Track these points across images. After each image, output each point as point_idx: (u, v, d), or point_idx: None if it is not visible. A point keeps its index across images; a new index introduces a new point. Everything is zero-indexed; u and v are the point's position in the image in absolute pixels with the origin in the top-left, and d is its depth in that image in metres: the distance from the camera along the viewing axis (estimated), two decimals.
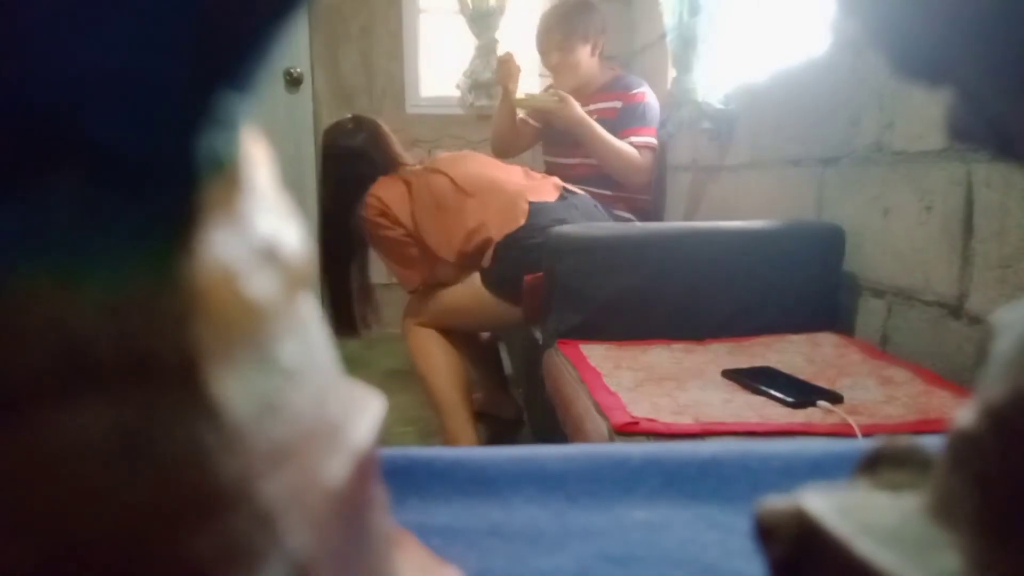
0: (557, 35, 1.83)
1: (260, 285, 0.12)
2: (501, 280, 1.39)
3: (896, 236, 1.10)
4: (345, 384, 0.15)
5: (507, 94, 1.86)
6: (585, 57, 1.84)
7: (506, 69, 1.83)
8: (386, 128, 1.60)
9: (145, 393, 0.10)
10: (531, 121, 1.97)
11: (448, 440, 1.46)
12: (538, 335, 1.34)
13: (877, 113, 1.15)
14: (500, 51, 2.19)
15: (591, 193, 1.71)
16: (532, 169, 1.63)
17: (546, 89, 2.00)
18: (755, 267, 1.19)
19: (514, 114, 1.92)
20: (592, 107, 1.80)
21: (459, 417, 1.45)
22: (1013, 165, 0.13)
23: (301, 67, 2.59)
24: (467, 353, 1.62)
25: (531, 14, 2.25)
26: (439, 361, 1.46)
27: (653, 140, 1.81)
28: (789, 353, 1.06)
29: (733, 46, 1.77)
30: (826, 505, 0.14)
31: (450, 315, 1.48)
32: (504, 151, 1.98)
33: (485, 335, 1.80)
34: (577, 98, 1.76)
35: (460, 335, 1.54)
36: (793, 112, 1.44)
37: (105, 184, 0.11)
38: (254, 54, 0.11)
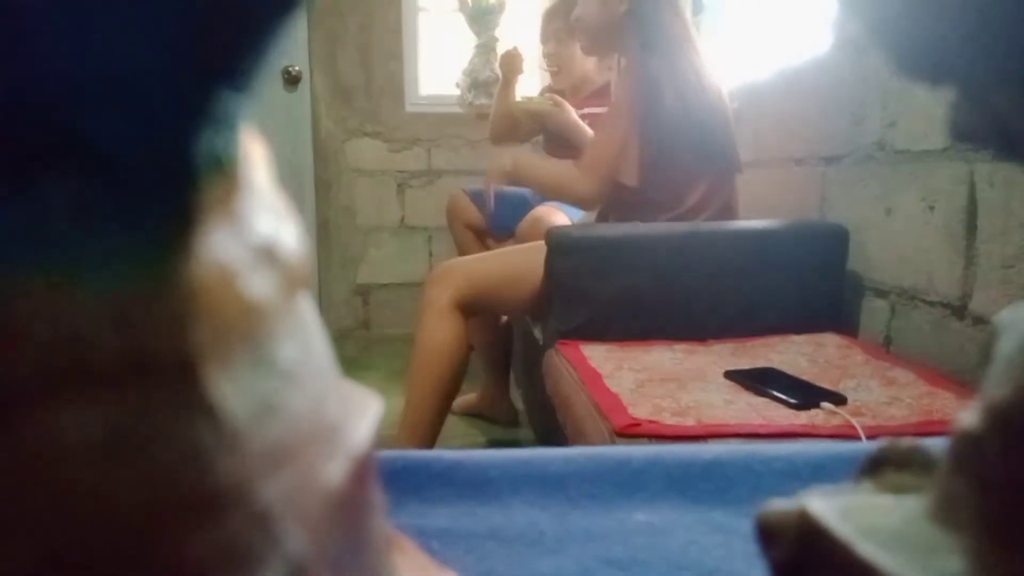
0: (559, 22, 1.85)
1: (258, 285, 0.12)
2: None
3: (899, 236, 1.10)
4: (343, 386, 0.15)
5: (506, 84, 1.88)
6: (580, 52, 1.85)
7: (510, 62, 1.85)
8: None
9: (143, 393, 0.10)
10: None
11: (404, 420, 1.28)
12: (538, 335, 1.34)
13: (880, 112, 1.14)
14: (499, 49, 2.20)
15: None
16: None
17: (542, 92, 2.01)
18: (758, 267, 1.19)
19: (512, 106, 1.94)
20: (585, 111, 1.81)
21: (424, 410, 1.28)
22: (1016, 164, 0.13)
23: (299, 66, 2.60)
24: (479, 342, 1.58)
25: (530, 13, 2.26)
26: (444, 348, 1.28)
27: None
28: (792, 354, 1.06)
29: (736, 45, 1.77)
30: (829, 507, 0.14)
31: (494, 280, 1.32)
32: (500, 138, 1.97)
33: (502, 320, 1.78)
34: (572, 99, 1.77)
35: (479, 322, 1.48)
36: (796, 111, 1.44)
37: (103, 184, 0.10)
38: (252, 53, 0.11)
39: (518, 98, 1.88)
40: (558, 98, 1.76)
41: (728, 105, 1.34)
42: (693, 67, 1.28)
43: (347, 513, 0.13)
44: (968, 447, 0.13)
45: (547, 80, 2.14)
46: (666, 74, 1.25)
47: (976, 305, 0.94)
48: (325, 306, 2.74)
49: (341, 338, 2.69)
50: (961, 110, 0.13)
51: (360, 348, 2.58)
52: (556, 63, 1.89)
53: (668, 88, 1.25)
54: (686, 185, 1.31)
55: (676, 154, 1.29)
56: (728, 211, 1.34)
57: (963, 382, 0.92)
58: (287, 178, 2.54)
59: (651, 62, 1.26)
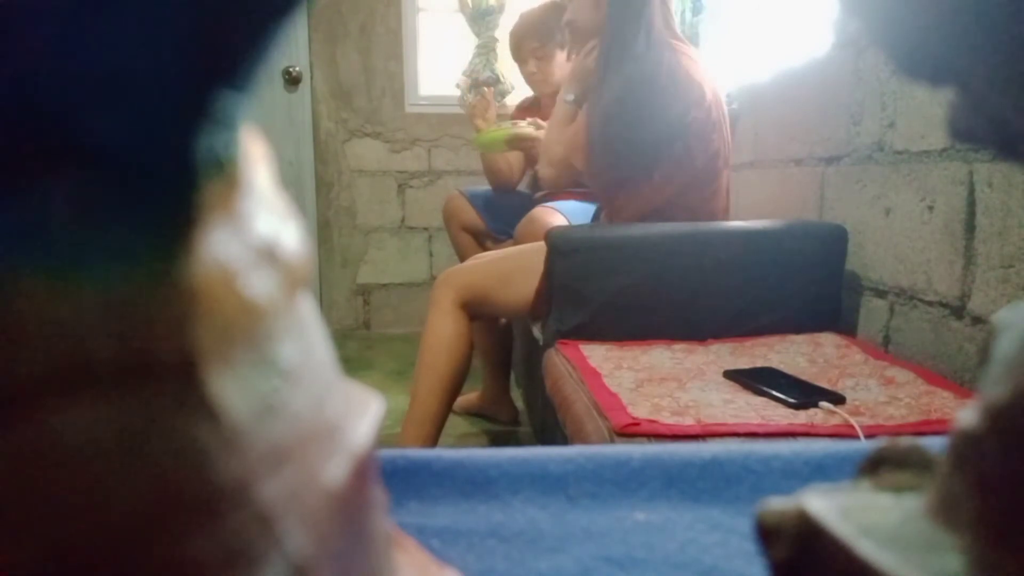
0: (534, 42, 1.84)
1: (259, 285, 0.12)
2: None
3: (898, 236, 1.10)
4: (344, 385, 0.15)
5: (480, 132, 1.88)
6: (562, 63, 1.85)
7: (472, 112, 1.86)
8: None
9: (144, 393, 0.10)
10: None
11: (409, 414, 1.33)
12: (538, 335, 1.34)
13: (879, 112, 1.14)
14: (499, 50, 2.20)
15: (572, 194, 1.72)
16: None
17: (520, 106, 2.02)
18: (757, 267, 1.19)
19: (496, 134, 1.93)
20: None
21: (430, 405, 1.33)
22: (1015, 164, 0.13)
23: (300, 66, 2.60)
24: (480, 342, 1.58)
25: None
26: (449, 345, 1.33)
27: None
28: (791, 353, 1.06)
29: (735, 45, 1.77)
30: (827, 506, 0.14)
31: (495, 281, 1.37)
32: (503, 184, 1.96)
33: (502, 322, 1.78)
34: (552, 105, 1.78)
35: (480, 323, 1.49)
36: (795, 111, 1.44)
37: (104, 184, 0.10)
38: (253, 53, 0.11)
39: (498, 129, 1.87)
40: (540, 121, 1.76)
41: (719, 104, 1.33)
42: (671, 64, 1.27)
43: (348, 512, 0.13)
44: (967, 446, 0.13)
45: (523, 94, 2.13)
46: (640, 72, 1.25)
47: (975, 305, 0.94)
48: (326, 306, 2.74)
49: (342, 338, 2.69)
50: (961, 110, 0.13)
51: (361, 348, 2.58)
52: (540, 79, 1.89)
53: (641, 85, 1.25)
54: (656, 179, 1.30)
55: (640, 149, 1.28)
56: (701, 211, 1.32)
57: (962, 382, 0.92)
58: (288, 178, 2.54)
59: (630, 60, 1.27)
